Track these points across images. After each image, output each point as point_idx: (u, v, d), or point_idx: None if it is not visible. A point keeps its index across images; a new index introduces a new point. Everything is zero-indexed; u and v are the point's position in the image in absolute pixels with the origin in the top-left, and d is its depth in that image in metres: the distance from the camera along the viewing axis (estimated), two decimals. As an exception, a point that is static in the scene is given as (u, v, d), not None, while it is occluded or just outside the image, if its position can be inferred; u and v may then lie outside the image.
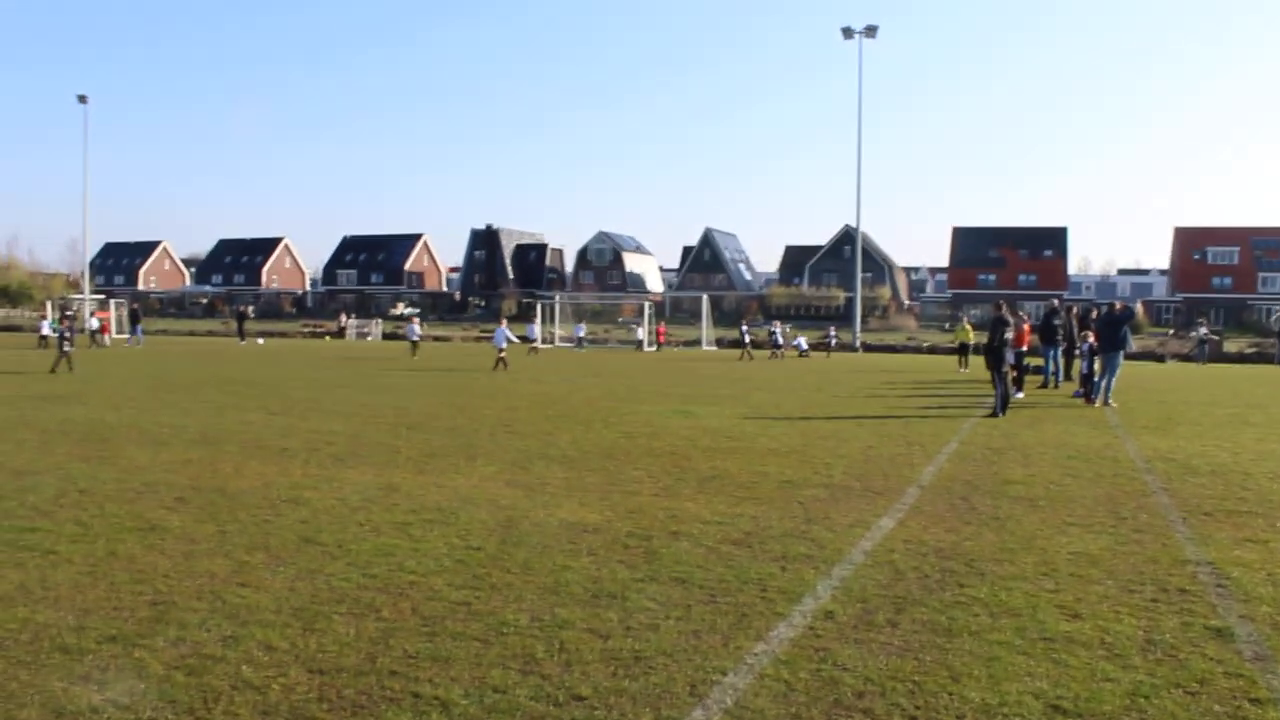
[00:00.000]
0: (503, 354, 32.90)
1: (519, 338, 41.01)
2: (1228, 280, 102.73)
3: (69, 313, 40.78)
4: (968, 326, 39.12)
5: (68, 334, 28.31)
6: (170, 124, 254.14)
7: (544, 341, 52.96)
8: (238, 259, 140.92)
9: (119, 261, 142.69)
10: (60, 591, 6.17)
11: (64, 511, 8.57)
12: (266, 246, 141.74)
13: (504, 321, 36.77)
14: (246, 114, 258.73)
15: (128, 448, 12.53)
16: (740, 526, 8.34)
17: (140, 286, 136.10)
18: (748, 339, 48.45)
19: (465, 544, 7.58)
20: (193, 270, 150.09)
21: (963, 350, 37.15)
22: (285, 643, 5.31)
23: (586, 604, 6.08)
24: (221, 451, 12.31)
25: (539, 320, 55.03)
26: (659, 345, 57.31)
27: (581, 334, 58.58)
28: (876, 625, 5.74)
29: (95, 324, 50.45)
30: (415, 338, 44.52)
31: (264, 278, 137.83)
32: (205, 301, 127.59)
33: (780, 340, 47.37)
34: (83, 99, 72.49)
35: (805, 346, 49.44)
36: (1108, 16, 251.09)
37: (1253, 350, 54.95)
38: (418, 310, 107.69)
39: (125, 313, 57.93)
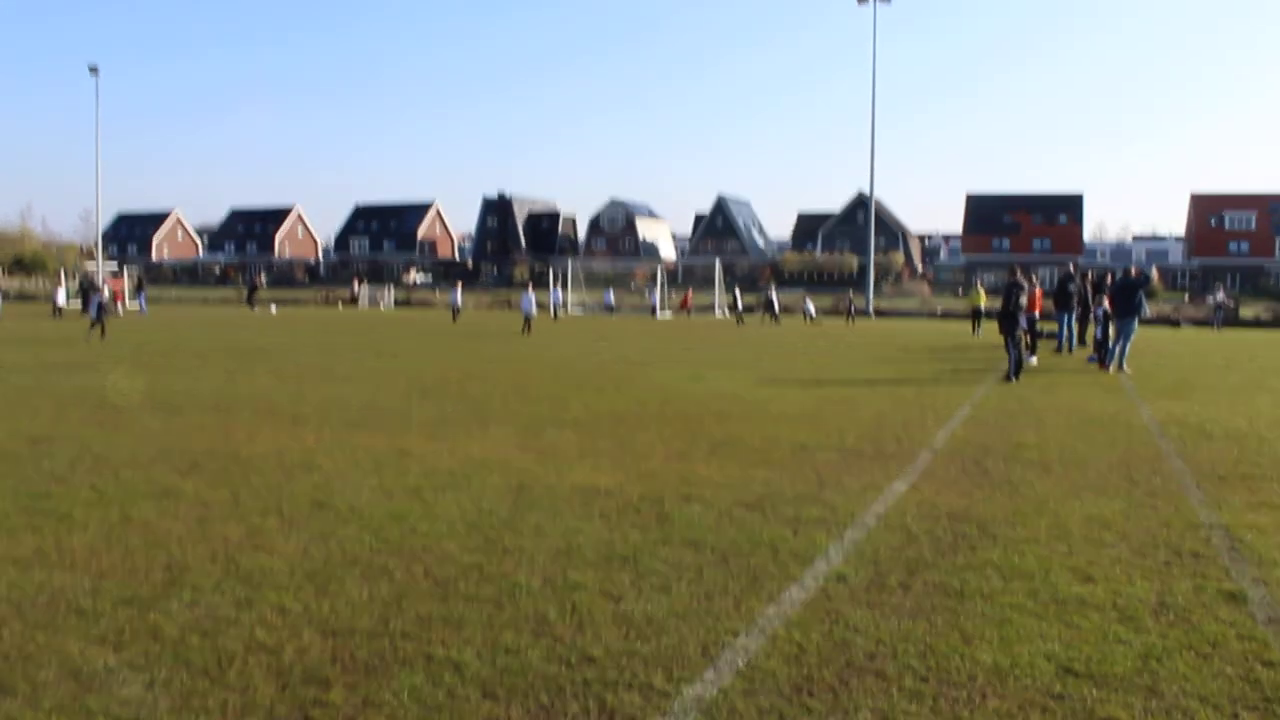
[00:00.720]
0: (531, 319, 34.30)
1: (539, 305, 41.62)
2: (1245, 246, 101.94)
3: (92, 283, 41.52)
4: (980, 291, 39.38)
5: (102, 303, 28.60)
6: (181, 94, 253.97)
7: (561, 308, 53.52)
8: (250, 228, 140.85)
9: (132, 231, 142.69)
10: (76, 556, 6.20)
11: (79, 477, 8.61)
12: (279, 215, 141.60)
13: (531, 288, 37.67)
14: (257, 83, 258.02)
15: (142, 414, 12.58)
16: (753, 490, 8.34)
17: (153, 256, 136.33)
18: (740, 305, 49.11)
19: (477, 508, 7.59)
20: (205, 239, 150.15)
21: (975, 315, 37.27)
22: (298, 605, 5.34)
23: (598, 566, 6.09)
24: (234, 418, 12.35)
25: (563, 287, 56.08)
26: (688, 312, 57.47)
27: (611, 301, 59.00)
28: (888, 588, 5.74)
29: (107, 292, 50.60)
30: (458, 304, 45.52)
31: (277, 246, 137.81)
32: (218, 270, 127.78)
33: (776, 306, 47.42)
34: (94, 70, 72.39)
35: (814, 313, 49.33)
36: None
37: (1270, 316, 54.66)
38: (429, 277, 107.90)
39: (133, 282, 58.17)
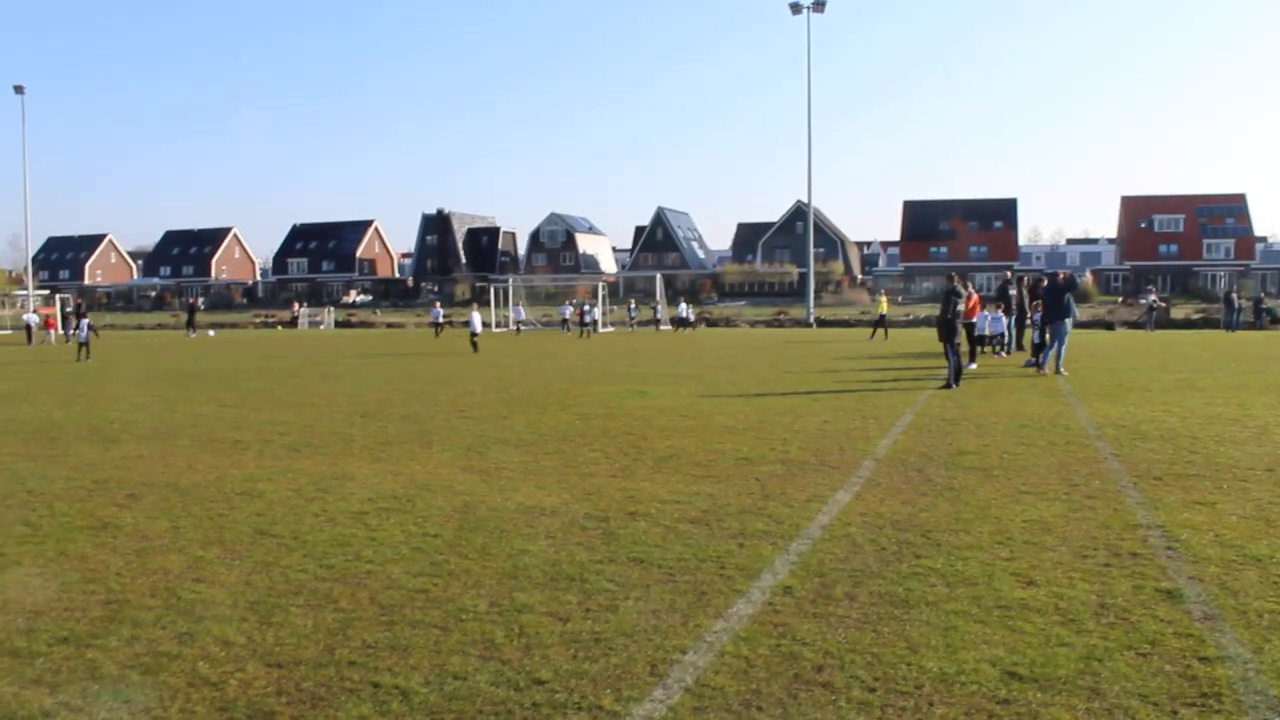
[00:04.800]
0: (476, 337, 34.32)
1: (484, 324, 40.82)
2: (1174, 248, 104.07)
3: (68, 309, 42.91)
4: (883, 299, 46.33)
5: (87, 328, 31.94)
6: (110, 114, 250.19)
7: (493, 325, 53.51)
8: (186, 250, 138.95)
9: (64, 256, 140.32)
10: (9, 594, 6.07)
11: (11, 512, 8.42)
12: (215, 237, 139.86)
13: (476, 307, 37.79)
14: (191, 106, 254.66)
15: (77, 445, 12.33)
16: (698, 505, 8.35)
17: (86, 281, 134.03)
18: (588, 315, 51.00)
19: (422, 531, 7.53)
20: (140, 263, 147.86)
21: (879, 322, 41.99)
22: (242, 637, 5.26)
23: (545, 587, 6.06)
24: (173, 446, 12.15)
25: (503, 303, 57.25)
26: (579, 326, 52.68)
27: (567, 314, 57.62)
28: (834, 599, 5.77)
29: (36, 320, 49.21)
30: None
31: (213, 269, 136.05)
32: (154, 294, 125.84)
33: (589, 319, 50.99)
34: (19, 89, 71.15)
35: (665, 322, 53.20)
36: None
37: (1199, 316, 55.98)
38: (369, 297, 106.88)
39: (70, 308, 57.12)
